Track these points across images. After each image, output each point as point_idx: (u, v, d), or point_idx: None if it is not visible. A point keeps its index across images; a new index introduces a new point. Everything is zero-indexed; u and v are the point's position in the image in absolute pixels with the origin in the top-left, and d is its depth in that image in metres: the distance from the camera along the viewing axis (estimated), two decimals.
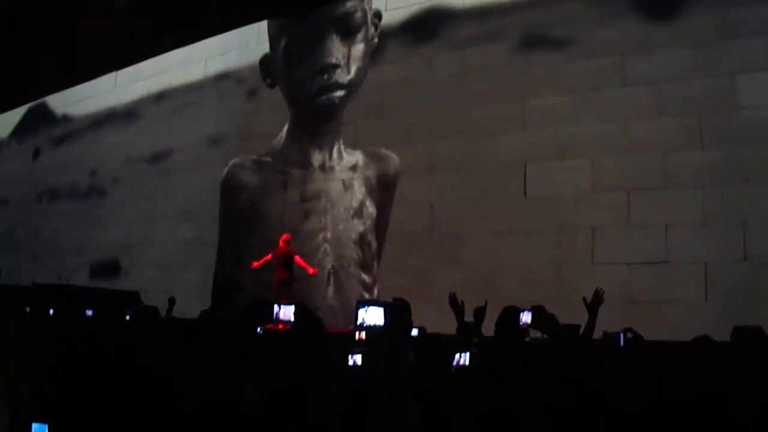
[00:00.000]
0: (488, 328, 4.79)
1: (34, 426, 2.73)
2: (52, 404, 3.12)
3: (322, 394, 3.02)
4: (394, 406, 2.57)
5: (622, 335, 5.45)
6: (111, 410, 3.22)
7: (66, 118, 21.48)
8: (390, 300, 3.20)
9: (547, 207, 11.05)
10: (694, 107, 10.07)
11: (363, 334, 8.92)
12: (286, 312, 3.92)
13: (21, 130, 23.52)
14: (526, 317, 4.30)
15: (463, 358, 4.43)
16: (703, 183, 9.87)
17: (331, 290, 13.32)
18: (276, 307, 4.18)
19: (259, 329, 5.04)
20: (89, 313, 8.31)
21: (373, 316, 2.83)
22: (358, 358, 4.53)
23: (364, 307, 2.82)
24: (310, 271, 12.54)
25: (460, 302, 4.88)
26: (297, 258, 12.40)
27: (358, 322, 2.89)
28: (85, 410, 3.16)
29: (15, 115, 23.71)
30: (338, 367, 4.16)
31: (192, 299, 10.92)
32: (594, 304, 4.64)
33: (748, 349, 4.18)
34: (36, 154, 22.50)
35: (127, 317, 7.65)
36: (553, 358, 3.98)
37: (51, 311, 8.37)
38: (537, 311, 4.32)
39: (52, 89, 21.65)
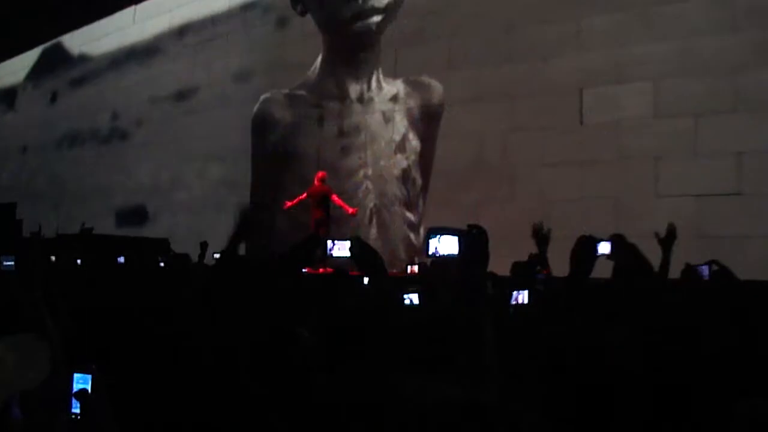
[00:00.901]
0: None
1: (76, 376, 2.66)
2: (93, 353, 3.07)
3: (384, 332, 2.92)
4: (472, 344, 2.46)
5: (707, 268, 5.31)
6: (157, 356, 3.17)
7: (83, 58, 21.56)
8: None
9: (605, 135, 10.84)
10: None
11: (416, 268, 8.84)
12: (341, 247, 3.81)
13: (36, 73, 23.68)
14: (603, 248, 4.15)
15: (522, 296, 4.33)
16: None
17: (373, 231, 13.30)
18: (330, 242, 4.07)
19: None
20: (121, 260, 8.38)
21: (446, 245, 2.70)
22: (414, 297, 4.43)
23: (435, 236, 2.68)
24: (349, 210, 12.49)
25: (545, 231, 4.76)
26: (334, 197, 12.36)
27: (430, 253, 2.76)
28: (129, 357, 3.10)
29: (29, 58, 23.80)
30: (398, 305, 4.08)
31: (225, 243, 10.90)
32: (668, 239, 4.56)
33: None
34: (53, 97, 22.66)
35: (162, 264, 7.74)
36: (633, 296, 3.86)
37: (79, 261, 8.45)
38: (617, 241, 4.18)
39: (67, 28, 21.67)
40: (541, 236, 4.74)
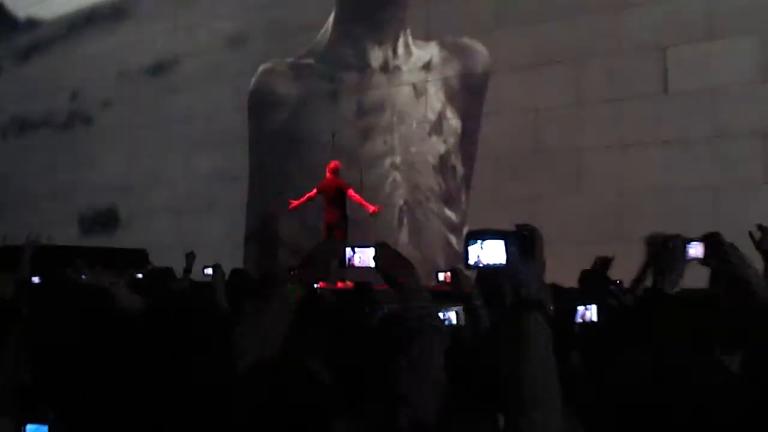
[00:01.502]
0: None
1: (29, 428, 2.73)
2: (51, 396, 3.14)
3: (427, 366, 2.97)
4: (519, 376, 2.51)
5: None
6: (133, 400, 3.23)
7: (32, 24, 21.64)
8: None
9: (697, 107, 10.84)
10: None
11: (449, 275, 8.96)
12: (363, 256, 3.79)
13: None
14: (695, 250, 4.16)
15: (589, 313, 4.38)
16: None
17: (404, 234, 13.39)
18: (349, 250, 4.05)
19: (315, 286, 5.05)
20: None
21: (490, 252, 2.70)
22: (452, 316, 4.49)
23: (476, 241, 2.67)
24: (371, 209, 12.45)
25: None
26: (350, 192, 12.35)
27: (471, 262, 2.76)
28: (98, 401, 3.17)
29: None
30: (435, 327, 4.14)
31: (218, 253, 10.94)
32: (763, 241, 4.54)
33: None
34: None
35: (139, 276, 7.84)
36: (733, 310, 3.87)
37: (35, 279, 8.54)
38: (712, 241, 4.17)
39: None
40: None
